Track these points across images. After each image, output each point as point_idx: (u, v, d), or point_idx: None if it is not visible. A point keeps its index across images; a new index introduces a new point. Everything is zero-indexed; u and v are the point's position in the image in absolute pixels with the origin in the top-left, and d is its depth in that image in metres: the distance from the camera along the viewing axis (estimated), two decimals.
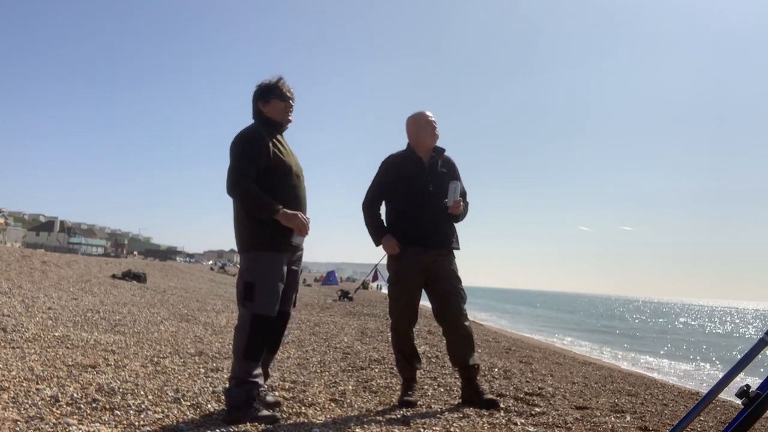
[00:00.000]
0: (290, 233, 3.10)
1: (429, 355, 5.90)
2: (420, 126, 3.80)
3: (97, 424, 2.71)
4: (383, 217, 3.85)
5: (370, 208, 3.83)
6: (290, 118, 3.28)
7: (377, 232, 3.77)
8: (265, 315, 3.02)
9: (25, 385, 3.23)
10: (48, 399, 2.99)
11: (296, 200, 3.17)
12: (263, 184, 3.05)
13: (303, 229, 3.11)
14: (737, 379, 1.82)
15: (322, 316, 10.59)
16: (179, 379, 3.81)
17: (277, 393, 3.65)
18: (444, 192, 3.71)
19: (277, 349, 3.36)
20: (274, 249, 3.07)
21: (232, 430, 2.78)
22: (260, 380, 3.03)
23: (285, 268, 3.14)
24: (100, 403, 3.01)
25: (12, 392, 3.05)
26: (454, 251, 3.81)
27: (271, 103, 3.21)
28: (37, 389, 3.15)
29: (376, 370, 4.79)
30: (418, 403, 3.64)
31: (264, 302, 3.03)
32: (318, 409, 3.37)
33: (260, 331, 3.01)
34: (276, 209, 3.02)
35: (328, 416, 3.23)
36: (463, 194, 3.88)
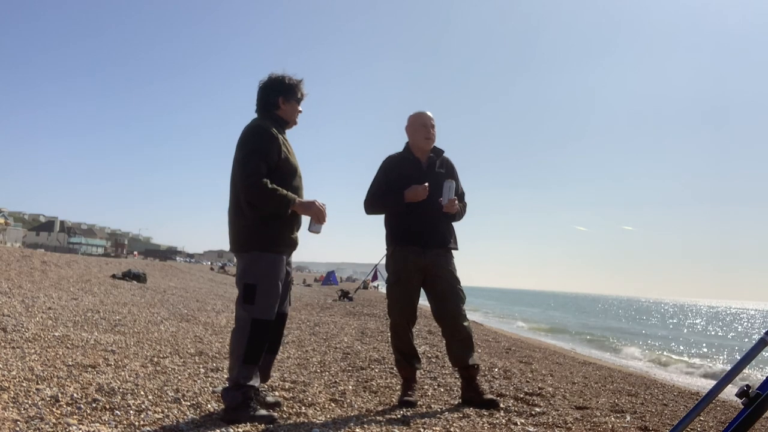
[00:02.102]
0: (291, 230, 3.11)
1: (429, 355, 5.90)
2: (415, 128, 3.80)
3: (97, 424, 2.70)
4: (382, 218, 3.85)
5: (372, 198, 3.80)
6: (297, 121, 3.28)
7: (393, 197, 3.69)
8: (265, 319, 3.00)
9: (25, 385, 3.22)
10: (48, 399, 2.99)
11: None
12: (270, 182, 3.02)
13: (321, 215, 3.08)
14: (737, 379, 1.82)
15: (322, 316, 10.59)
16: (179, 379, 3.81)
17: (277, 393, 3.65)
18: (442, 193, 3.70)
19: (277, 350, 3.35)
20: (274, 249, 3.05)
21: (231, 430, 2.78)
22: (256, 383, 3.01)
23: (285, 269, 3.13)
24: (100, 403, 3.01)
25: (12, 392, 3.05)
26: (453, 251, 3.81)
27: (291, 103, 3.19)
28: (37, 389, 3.15)
29: (376, 370, 4.79)
30: (418, 403, 3.65)
31: (265, 306, 3.00)
32: (318, 409, 3.37)
33: (260, 336, 2.99)
34: (292, 199, 3.00)
35: (328, 416, 3.23)
36: (461, 195, 3.87)
